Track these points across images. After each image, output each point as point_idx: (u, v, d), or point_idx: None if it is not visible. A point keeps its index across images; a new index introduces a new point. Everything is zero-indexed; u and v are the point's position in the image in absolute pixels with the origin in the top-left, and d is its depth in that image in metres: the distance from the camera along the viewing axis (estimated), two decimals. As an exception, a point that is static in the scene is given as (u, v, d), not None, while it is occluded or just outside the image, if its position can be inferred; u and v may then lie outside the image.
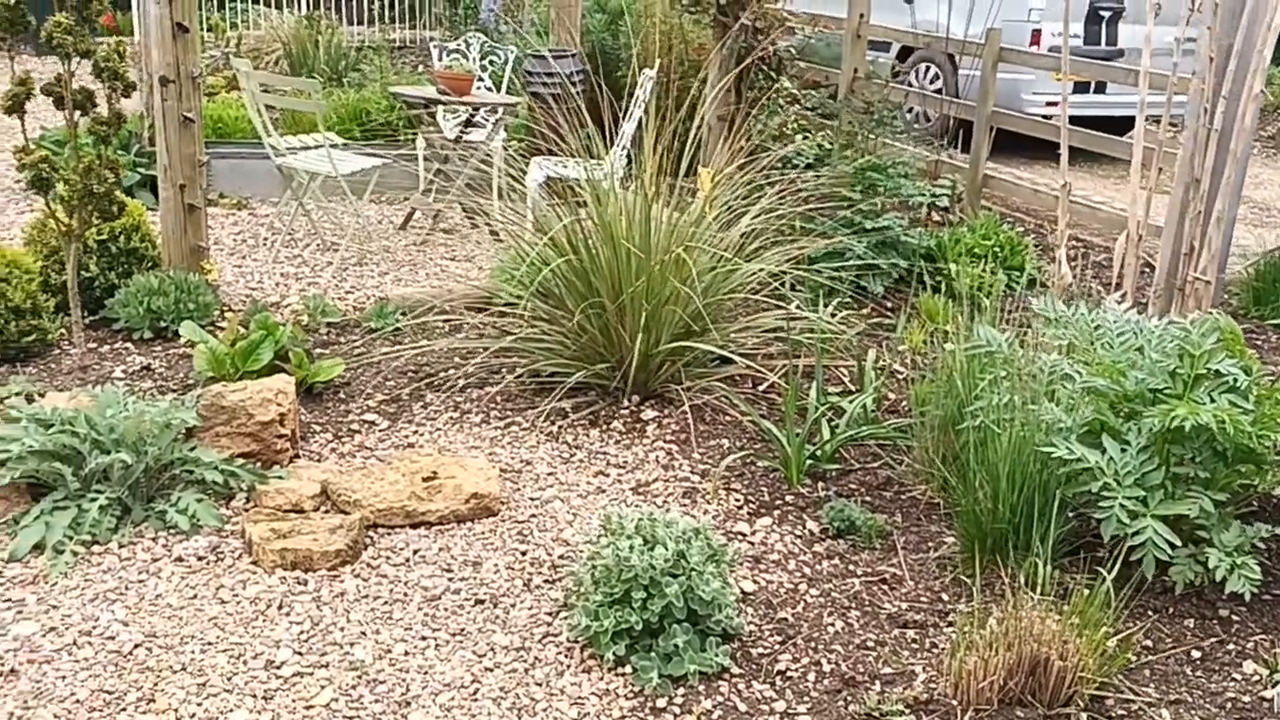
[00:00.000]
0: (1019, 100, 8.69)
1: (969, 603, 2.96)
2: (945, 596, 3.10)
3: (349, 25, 12.21)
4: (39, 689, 2.58)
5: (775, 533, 3.40)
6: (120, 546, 3.17)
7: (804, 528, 3.44)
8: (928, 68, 9.53)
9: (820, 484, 3.70)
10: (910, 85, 9.06)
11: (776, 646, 2.87)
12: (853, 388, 4.29)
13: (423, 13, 13.29)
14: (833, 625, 2.97)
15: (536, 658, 2.80)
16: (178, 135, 4.75)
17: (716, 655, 2.76)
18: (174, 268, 4.87)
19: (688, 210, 4.41)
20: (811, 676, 2.77)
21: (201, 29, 10.96)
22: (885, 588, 3.14)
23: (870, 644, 2.89)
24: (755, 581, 3.14)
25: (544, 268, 4.12)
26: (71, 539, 3.14)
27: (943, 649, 2.84)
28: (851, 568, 3.24)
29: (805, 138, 6.02)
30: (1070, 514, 3.13)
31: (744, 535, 3.38)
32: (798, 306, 4.49)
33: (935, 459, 3.56)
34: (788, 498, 3.61)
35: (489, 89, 7.11)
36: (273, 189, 6.58)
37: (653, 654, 2.73)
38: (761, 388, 4.32)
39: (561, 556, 3.21)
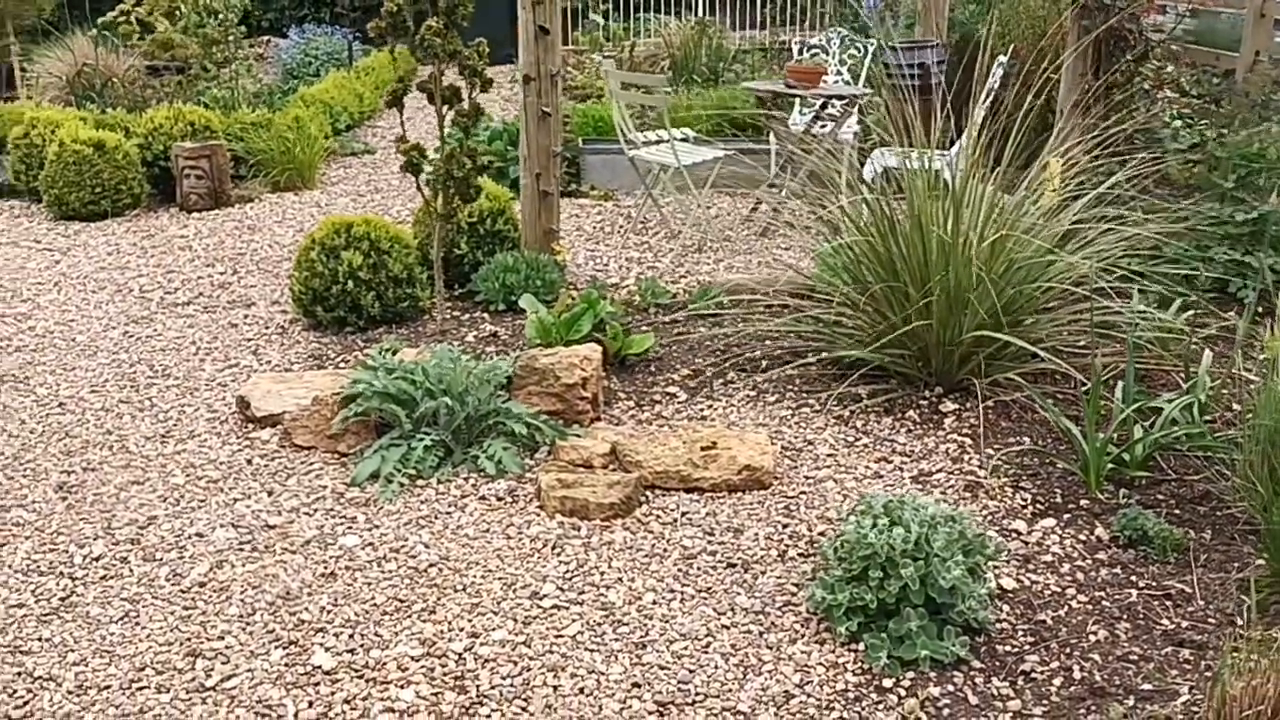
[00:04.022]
0: None
1: (1265, 630, 2.63)
2: (1238, 620, 2.78)
3: (739, 30, 12.67)
4: (349, 591, 3.03)
5: (1055, 535, 3.20)
6: (439, 483, 3.61)
7: (1090, 534, 3.20)
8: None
9: (1122, 491, 3.42)
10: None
11: (1025, 646, 2.73)
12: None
13: (809, 14, 13.47)
14: (1095, 634, 2.76)
15: (773, 623, 2.86)
16: (536, 128, 5.26)
17: (953, 645, 2.67)
18: (528, 248, 5.39)
19: (1014, 197, 4.22)
20: (1058, 681, 2.61)
21: (602, 37, 11.94)
22: (1168, 603, 2.86)
23: (1134, 658, 2.66)
24: (1018, 580, 2.98)
25: (848, 255, 4.13)
26: (400, 472, 3.62)
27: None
28: (1133, 579, 2.98)
29: (1187, 125, 5.49)
30: None
31: (1019, 534, 3.21)
32: (1136, 303, 4.14)
33: (1256, 473, 3.16)
34: (1081, 502, 3.38)
35: (847, 82, 7.14)
36: (635, 182, 7.05)
37: (884, 634, 2.70)
38: (1083, 388, 4.04)
39: (820, 533, 3.24)
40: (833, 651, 2.74)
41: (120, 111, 8.00)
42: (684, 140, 6.19)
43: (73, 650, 2.75)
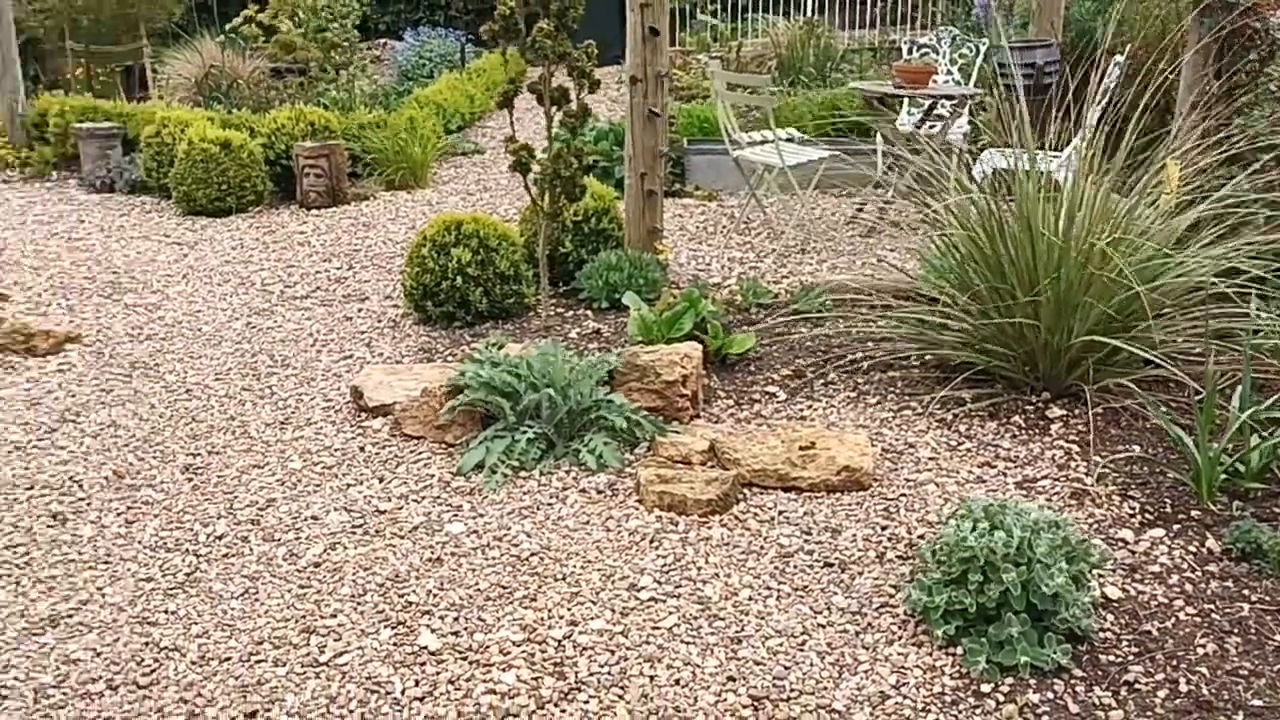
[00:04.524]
0: None
1: (1386, 652, 2.54)
2: (1359, 641, 2.68)
3: (848, 30, 12.55)
4: (453, 576, 3.13)
5: (1164, 545, 3.12)
6: (541, 475, 3.69)
7: (1201, 545, 3.12)
8: None
9: (1236, 503, 3.32)
10: None
11: (1130, 657, 2.68)
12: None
13: (920, 13, 13.27)
14: (1204, 647, 2.69)
15: (870, 624, 2.86)
16: (642, 128, 5.33)
17: (1054, 652, 2.64)
18: (632, 247, 5.46)
19: (1129, 200, 4.12)
20: (1162, 693, 2.55)
21: (709, 38, 11.97)
22: (1283, 620, 2.78)
23: (1244, 673, 2.59)
24: (1123, 590, 2.92)
25: (954, 256, 4.09)
26: (504, 463, 3.72)
27: (1335, 695, 2.47)
28: (1245, 593, 2.90)
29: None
30: None
31: (1125, 543, 3.15)
32: (1256, 309, 4.01)
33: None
34: (1192, 513, 3.29)
35: (957, 82, 7.04)
36: (739, 182, 7.06)
37: (983, 639, 2.68)
38: (1197, 396, 3.92)
39: (920, 536, 3.22)
40: (930, 654, 2.73)
41: (245, 112, 8.33)
42: (789, 140, 6.18)
43: (196, 623, 2.90)
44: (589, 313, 5.19)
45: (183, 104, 8.96)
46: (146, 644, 2.81)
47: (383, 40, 13.67)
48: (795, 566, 3.12)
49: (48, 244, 6.55)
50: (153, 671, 2.71)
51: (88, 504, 3.51)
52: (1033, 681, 2.61)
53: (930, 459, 3.69)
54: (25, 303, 5.48)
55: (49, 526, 3.38)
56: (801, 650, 2.77)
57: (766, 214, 6.51)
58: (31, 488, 3.62)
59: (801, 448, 3.60)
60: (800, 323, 4.86)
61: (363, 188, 7.70)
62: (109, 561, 3.19)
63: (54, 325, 4.98)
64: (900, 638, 2.80)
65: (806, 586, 3.03)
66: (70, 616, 2.92)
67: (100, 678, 2.68)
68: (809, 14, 12.36)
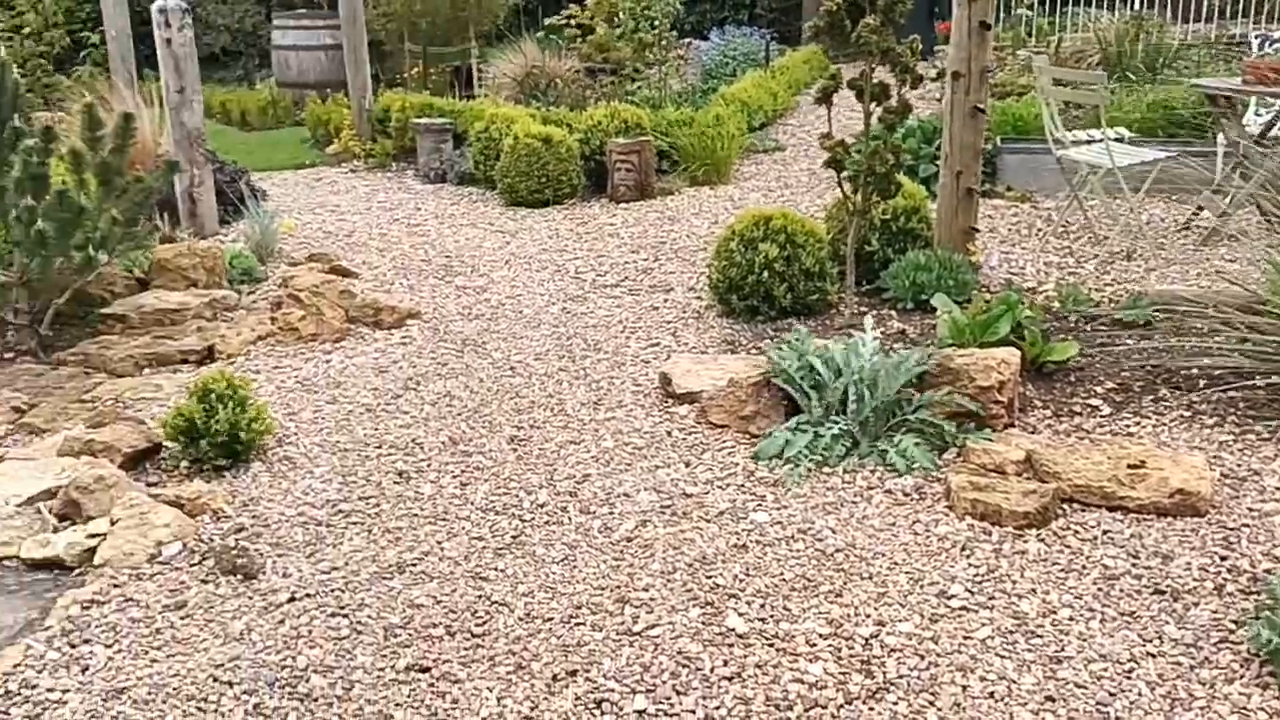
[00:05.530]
0: None
1: None
2: None
3: (1180, 23, 11.63)
4: (758, 563, 3.17)
5: None
6: (845, 472, 3.68)
7: None
8: None
9: None
10: None
11: None
12: None
13: (1268, 4, 12.07)
14: None
15: (1206, 658, 2.66)
16: (962, 125, 5.17)
17: None
18: (941, 247, 5.32)
19: None
20: None
21: (1025, 33, 11.43)
22: None
23: None
24: None
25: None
26: (807, 457, 3.74)
27: None
28: None
29: None
30: None
31: None
32: None
33: None
34: None
35: (1317, 79, 6.35)
36: (1057, 184, 6.71)
37: (1346, 690, 2.43)
38: None
39: (1267, 570, 2.95)
40: (1276, 697, 2.51)
41: (563, 109, 8.79)
42: (1118, 140, 5.81)
43: (521, 582, 3.11)
44: (893, 313, 5.11)
45: (506, 102, 9.56)
46: (479, 597, 3.04)
47: (687, 40, 14.02)
48: (1121, 590, 2.95)
49: (390, 228, 7.19)
50: (485, 623, 2.92)
51: (428, 464, 3.84)
52: (1406, 744, 2.34)
53: (1278, 488, 3.37)
54: (372, 280, 6.05)
55: (395, 483, 3.72)
56: (1129, 679, 2.61)
57: (1088, 217, 6.15)
58: (380, 446, 4.00)
59: (1130, 466, 3.38)
60: (1125, 333, 4.57)
61: (667, 183, 7.93)
62: (445, 518, 3.47)
63: (397, 302, 5.47)
64: (1242, 676, 2.59)
65: (1134, 612, 2.85)
66: (414, 565, 3.21)
67: (440, 623, 2.92)
68: (1137, 7, 11.55)
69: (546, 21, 12.06)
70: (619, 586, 3.06)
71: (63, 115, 7.60)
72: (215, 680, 2.72)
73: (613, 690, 2.64)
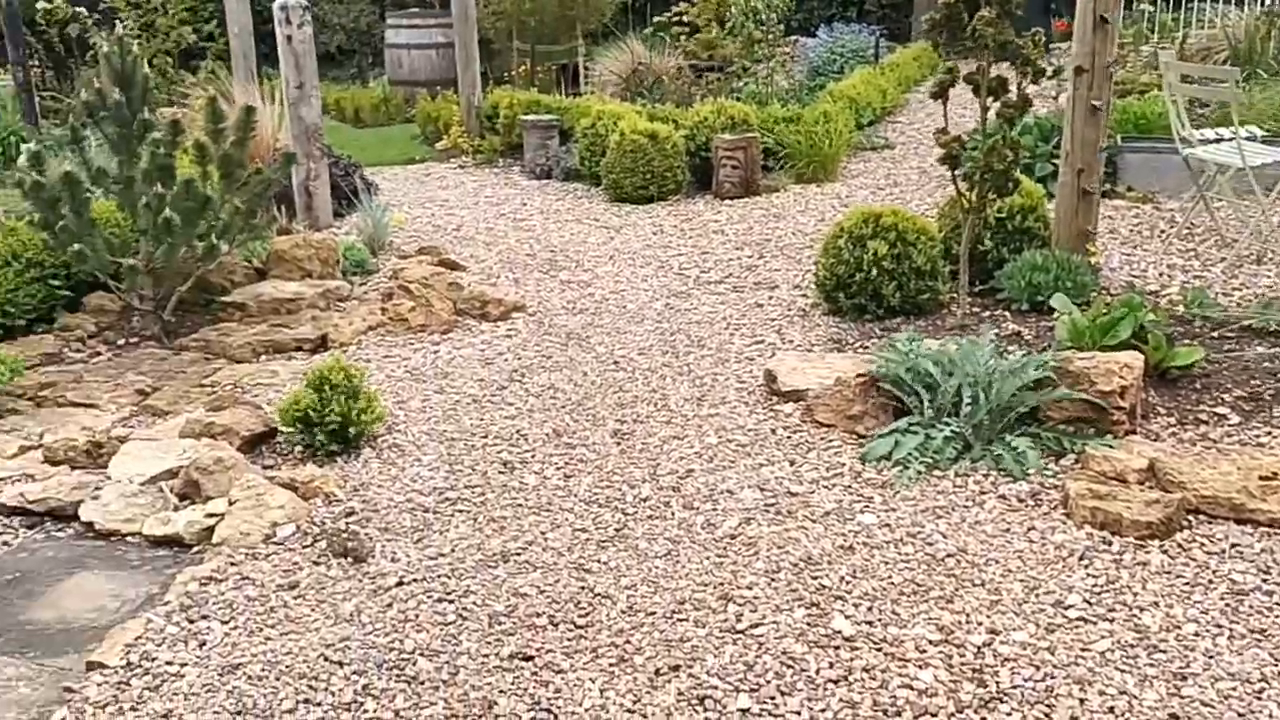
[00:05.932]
0: None
1: None
2: None
3: (1316, 18, 11.07)
4: (865, 566, 3.11)
5: None
6: (956, 476, 3.58)
7: None
8: None
9: None
10: None
11: None
12: None
13: None
14: None
15: (1346, 683, 2.51)
16: (1083, 122, 5.00)
17: None
18: (1059, 247, 5.15)
19: None
20: None
21: (1147, 29, 11.02)
22: None
23: None
24: None
25: None
26: (917, 459, 3.65)
27: None
28: None
29: None
30: None
31: None
32: None
33: None
34: None
35: None
36: (1181, 184, 6.45)
37: None
38: None
39: None
40: None
41: (669, 106, 8.78)
42: (1250, 139, 5.55)
43: (624, 576, 3.10)
44: (1007, 314, 4.96)
45: (612, 99, 9.60)
46: (582, 588, 3.04)
47: (794, 37, 13.89)
48: (1251, 607, 2.81)
49: (496, 223, 7.28)
50: (588, 614, 2.92)
51: (532, 455, 3.86)
52: None
53: None
54: (479, 274, 6.12)
55: (500, 473, 3.75)
56: (1259, 699, 2.49)
57: (1215, 219, 5.90)
58: (485, 436, 4.04)
59: (1261, 477, 3.22)
60: (1255, 340, 4.36)
61: (773, 180, 7.85)
62: (549, 509, 3.49)
63: (503, 295, 5.53)
64: (1386, 705, 2.44)
65: (1265, 630, 2.71)
66: (518, 555, 3.22)
67: (543, 613, 2.93)
68: (1268, 3, 11.04)
69: (655, 19, 12.08)
70: (722, 583, 3.03)
71: (186, 110, 7.88)
72: (326, 660, 2.77)
73: (716, 687, 2.61)
